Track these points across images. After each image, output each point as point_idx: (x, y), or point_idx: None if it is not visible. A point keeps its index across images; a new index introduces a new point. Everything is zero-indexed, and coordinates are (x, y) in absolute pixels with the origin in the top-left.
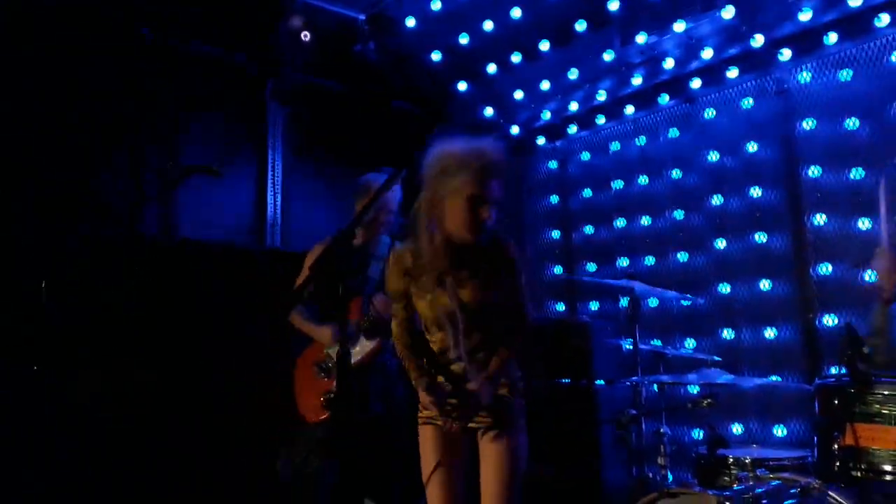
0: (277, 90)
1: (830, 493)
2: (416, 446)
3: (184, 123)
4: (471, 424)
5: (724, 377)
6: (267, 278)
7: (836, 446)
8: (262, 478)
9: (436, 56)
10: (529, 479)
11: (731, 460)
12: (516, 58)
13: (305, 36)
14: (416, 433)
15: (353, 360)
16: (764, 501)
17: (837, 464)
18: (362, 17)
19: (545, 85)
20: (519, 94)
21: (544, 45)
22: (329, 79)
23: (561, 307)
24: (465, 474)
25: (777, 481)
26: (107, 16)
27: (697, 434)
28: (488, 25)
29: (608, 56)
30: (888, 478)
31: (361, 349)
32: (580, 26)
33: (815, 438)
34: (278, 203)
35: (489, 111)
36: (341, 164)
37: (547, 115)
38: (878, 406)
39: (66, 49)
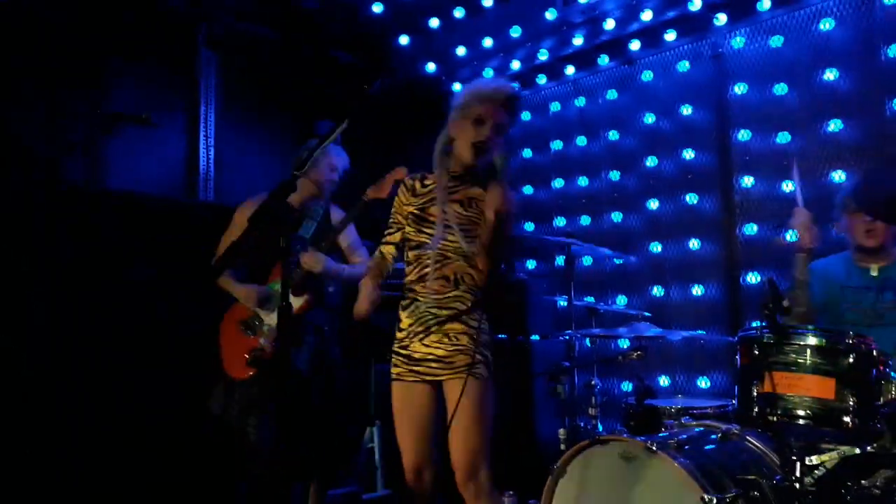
0: (210, 36)
1: (748, 437)
2: (349, 407)
3: (110, 68)
4: (435, 377)
5: (653, 331)
6: (200, 232)
7: (754, 394)
8: (192, 438)
9: (377, 8)
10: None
11: (658, 409)
12: (459, 13)
13: None
14: (351, 395)
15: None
16: (687, 447)
17: (756, 410)
18: None
19: (488, 42)
20: (461, 51)
21: (487, 1)
22: (265, 26)
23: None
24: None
25: (700, 428)
26: None
27: (627, 386)
28: None
29: (550, 15)
30: (801, 422)
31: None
32: None
33: (736, 387)
34: (211, 155)
35: (431, 66)
36: (277, 115)
37: (489, 74)
38: (794, 355)
39: None
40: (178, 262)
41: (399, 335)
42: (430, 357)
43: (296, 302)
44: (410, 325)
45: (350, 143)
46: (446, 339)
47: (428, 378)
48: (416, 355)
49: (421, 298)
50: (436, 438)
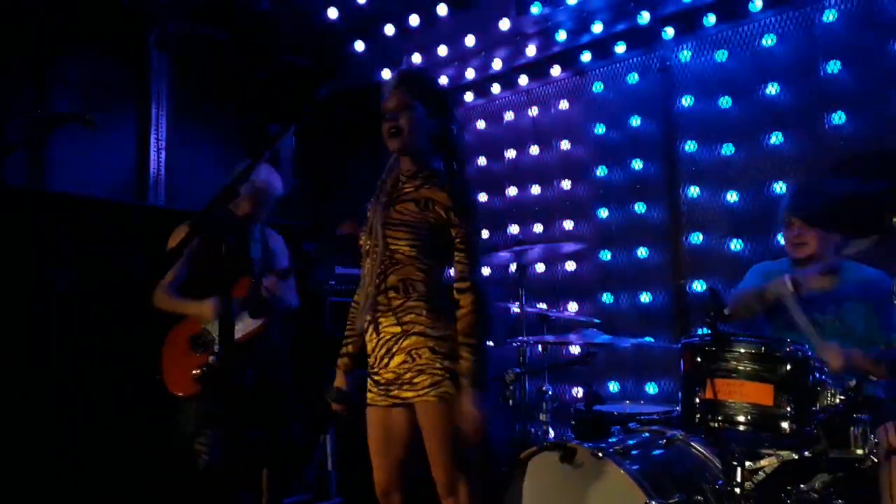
0: (162, 38)
1: (692, 442)
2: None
3: (56, 68)
4: (405, 400)
5: (602, 337)
6: (148, 237)
7: (697, 400)
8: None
9: (332, 13)
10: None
11: (606, 415)
12: (414, 20)
13: None
14: (302, 403)
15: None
16: (634, 452)
17: (698, 416)
18: None
19: (442, 50)
20: (417, 58)
21: (442, 9)
22: (218, 28)
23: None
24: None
25: (646, 434)
26: None
27: (577, 392)
28: None
29: (504, 25)
30: (742, 427)
31: (244, 327)
32: None
33: (680, 394)
34: (162, 159)
35: (386, 73)
36: (230, 118)
37: (444, 81)
38: (734, 363)
39: None
40: (125, 266)
41: (369, 360)
42: (398, 381)
43: (250, 324)
44: (374, 350)
45: (304, 151)
46: (409, 359)
47: (398, 402)
48: (382, 380)
49: (380, 319)
50: (412, 460)
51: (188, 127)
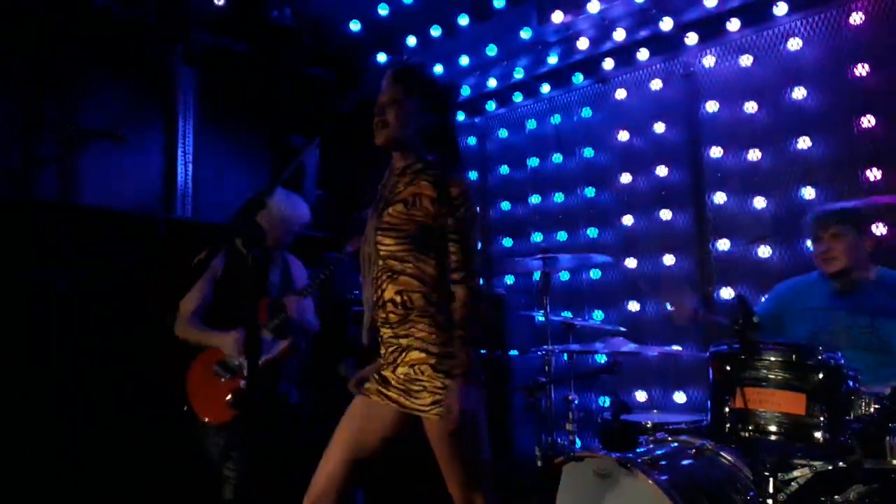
0: (188, 53)
1: (722, 453)
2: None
3: (86, 84)
4: (403, 408)
5: (629, 346)
6: (176, 249)
7: (727, 409)
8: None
9: (354, 26)
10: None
11: (634, 425)
12: (436, 31)
13: None
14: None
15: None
16: (663, 462)
17: (728, 426)
18: None
19: (464, 60)
20: (438, 69)
21: (463, 20)
22: (243, 43)
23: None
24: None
25: (675, 444)
26: None
27: (604, 401)
28: None
29: (525, 34)
30: (773, 437)
31: (269, 349)
32: (499, 2)
33: (709, 403)
34: (189, 172)
35: None
36: (255, 130)
37: (466, 91)
38: (765, 371)
39: None
40: (151, 277)
41: (380, 359)
42: (400, 387)
43: (281, 345)
44: (383, 354)
45: (328, 162)
46: (412, 373)
47: (392, 401)
48: (391, 380)
49: (382, 330)
50: (359, 471)
51: (214, 140)
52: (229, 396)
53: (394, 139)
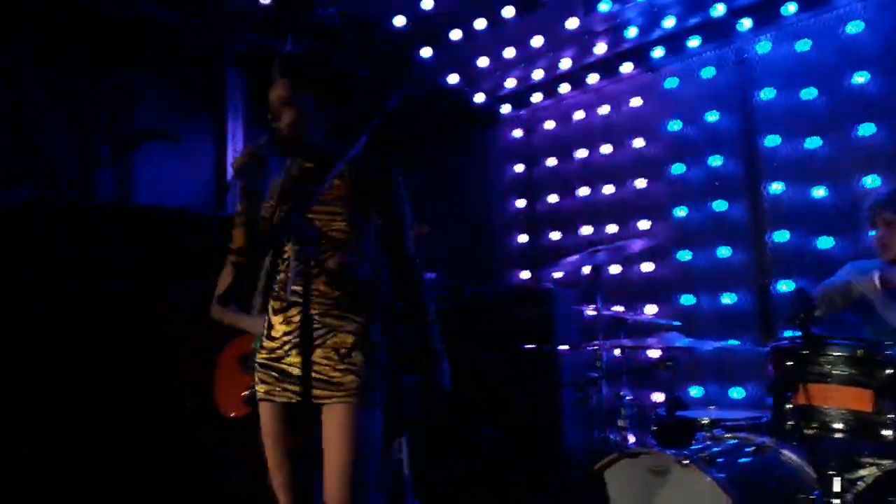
0: (235, 55)
1: (783, 450)
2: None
3: (138, 88)
4: (315, 399)
5: (683, 341)
6: (227, 246)
7: (789, 406)
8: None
9: (399, 21)
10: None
11: (690, 421)
12: (480, 24)
13: None
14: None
15: None
16: (720, 460)
17: (790, 423)
18: None
19: (509, 52)
20: (483, 62)
21: (508, 12)
22: (286, 43)
23: (525, 275)
24: (313, 457)
25: (733, 441)
26: None
27: (657, 397)
28: None
29: (572, 24)
30: (838, 435)
31: None
32: None
33: (770, 399)
34: None
35: (453, 78)
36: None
37: (511, 83)
38: (829, 367)
39: (14, 9)
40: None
41: (269, 344)
42: (317, 377)
43: None
44: (286, 335)
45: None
46: (335, 356)
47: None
48: (294, 371)
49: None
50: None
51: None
52: (246, 392)
53: (293, 148)
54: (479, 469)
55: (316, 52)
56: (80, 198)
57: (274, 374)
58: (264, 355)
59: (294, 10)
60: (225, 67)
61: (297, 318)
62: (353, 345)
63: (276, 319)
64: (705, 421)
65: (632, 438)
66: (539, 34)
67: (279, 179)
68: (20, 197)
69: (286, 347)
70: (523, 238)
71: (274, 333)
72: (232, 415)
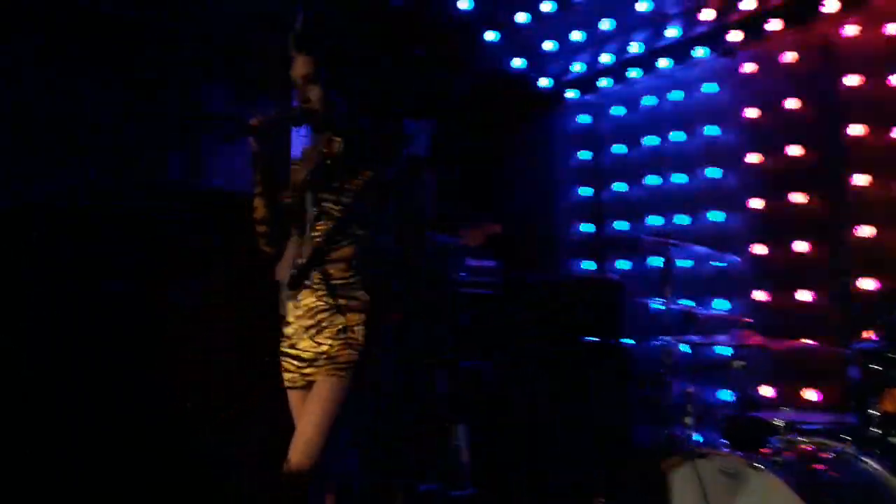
0: (302, 37)
1: (865, 459)
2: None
3: (205, 72)
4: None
5: (756, 339)
6: None
7: (872, 412)
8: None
9: (463, 4)
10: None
11: (762, 423)
12: (547, 6)
13: None
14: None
15: None
16: (796, 465)
17: (873, 430)
18: None
19: (577, 36)
20: (549, 45)
21: None
22: (353, 25)
23: (590, 265)
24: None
25: (810, 446)
26: None
27: (727, 395)
28: None
29: (643, 5)
30: None
31: None
32: None
33: (851, 403)
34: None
35: (518, 62)
36: (369, 113)
37: (578, 68)
38: None
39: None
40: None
41: (287, 331)
42: (320, 355)
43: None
44: (299, 319)
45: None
46: (340, 335)
47: (312, 379)
48: (306, 355)
49: (315, 285)
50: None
51: None
52: None
53: (325, 124)
54: (540, 460)
55: (331, 23)
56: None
57: (294, 361)
58: (284, 344)
59: None
60: (292, 51)
61: (306, 302)
62: (355, 321)
63: (290, 305)
64: (779, 423)
65: (699, 437)
66: (608, 17)
67: (309, 151)
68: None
69: (300, 332)
70: (588, 227)
71: (290, 319)
72: None
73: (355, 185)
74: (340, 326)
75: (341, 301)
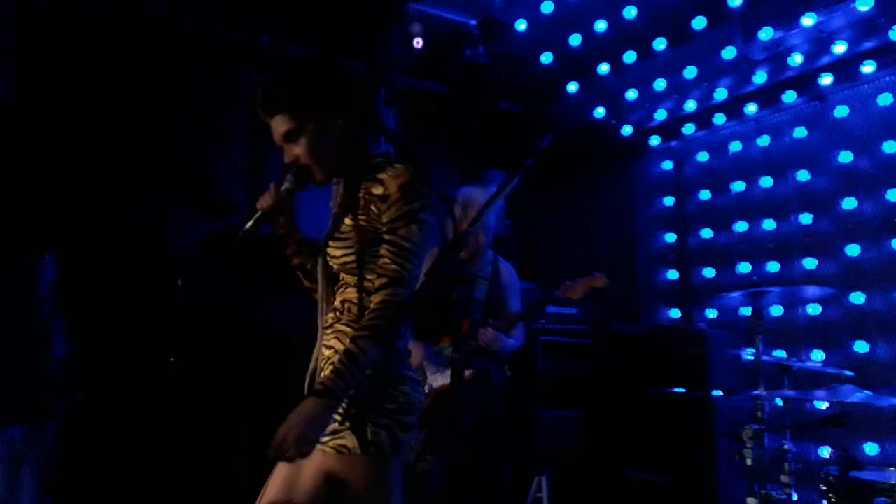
0: (390, 95)
1: None
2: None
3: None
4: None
5: (858, 395)
6: None
7: None
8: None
9: (546, 58)
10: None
11: (867, 484)
12: (630, 57)
13: (418, 42)
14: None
15: (437, 384)
16: None
17: None
18: (473, 22)
19: (660, 84)
20: (632, 94)
21: (660, 44)
22: (438, 83)
23: (675, 314)
24: None
25: None
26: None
27: (825, 453)
28: (601, 26)
29: (728, 54)
30: None
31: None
32: (698, 24)
33: None
34: None
35: (600, 111)
36: (451, 165)
37: (661, 115)
38: None
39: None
40: None
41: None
42: None
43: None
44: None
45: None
46: None
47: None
48: None
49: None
50: None
51: None
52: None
53: (325, 179)
54: None
55: (290, 74)
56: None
57: None
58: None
59: (445, 52)
60: (379, 107)
61: (313, 355)
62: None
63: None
64: (888, 484)
65: (796, 496)
66: (692, 65)
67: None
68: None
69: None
70: (673, 274)
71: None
72: None
73: (341, 239)
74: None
75: (326, 352)
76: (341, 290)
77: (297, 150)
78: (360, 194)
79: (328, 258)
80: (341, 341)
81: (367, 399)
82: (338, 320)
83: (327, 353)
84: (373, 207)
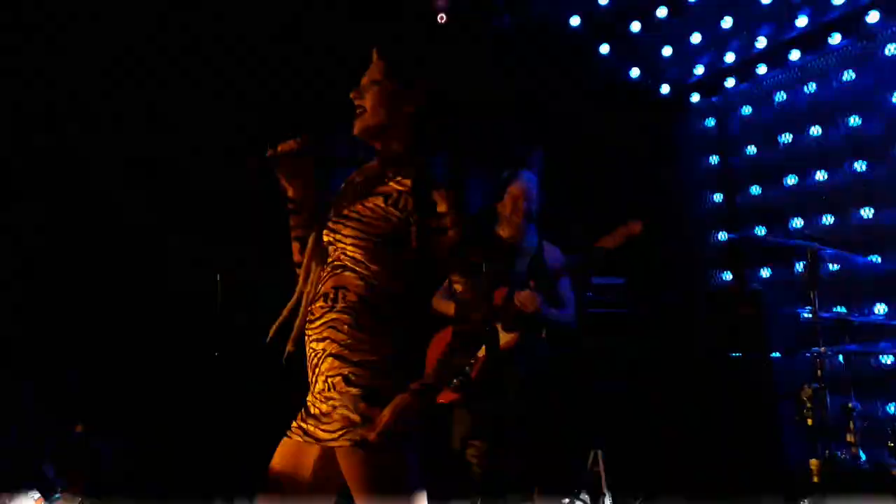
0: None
1: None
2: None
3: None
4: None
5: None
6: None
7: None
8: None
9: (574, 21)
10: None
11: None
12: (662, 12)
13: (441, 18)
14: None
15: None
16: None
17: None
18: None
19: (696, 38)
20: (667, 51)
21: None
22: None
23: (727, 275)
24: None
25: None
26: None
27: (893, 408)
28: None
29: None
30: None
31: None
32: None
33: None
34: None
35: (635, 72)
36: (485, 137)
37: (700, 70)
38: None
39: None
40: None
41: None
42: (315, 412)
43: (504, 337)
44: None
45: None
46: (326, 388)
47: (312, 440)
48: (311, 408)
49: (307, 331)
50: None
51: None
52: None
53: (368, 128)
54: (687, 486)
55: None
56: None
57: (303, 408)
58: None
59: (467, 18)
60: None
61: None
62: (336, 372)
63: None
64: None
65: (864, 456)
66: (728, 14)
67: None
68: None
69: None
70: (722, 235)
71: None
72: (440, 401)
73: (358, 212)
74: (323, 378)
75: (319, 344)
76: (334, 274)
77: (367, 100)
78: (393, 184)
79: (331, 236)
80: (338, 330)
81: (380, 391)
82: (329, 308)
83: (320, 346)
84: (404, 204)
